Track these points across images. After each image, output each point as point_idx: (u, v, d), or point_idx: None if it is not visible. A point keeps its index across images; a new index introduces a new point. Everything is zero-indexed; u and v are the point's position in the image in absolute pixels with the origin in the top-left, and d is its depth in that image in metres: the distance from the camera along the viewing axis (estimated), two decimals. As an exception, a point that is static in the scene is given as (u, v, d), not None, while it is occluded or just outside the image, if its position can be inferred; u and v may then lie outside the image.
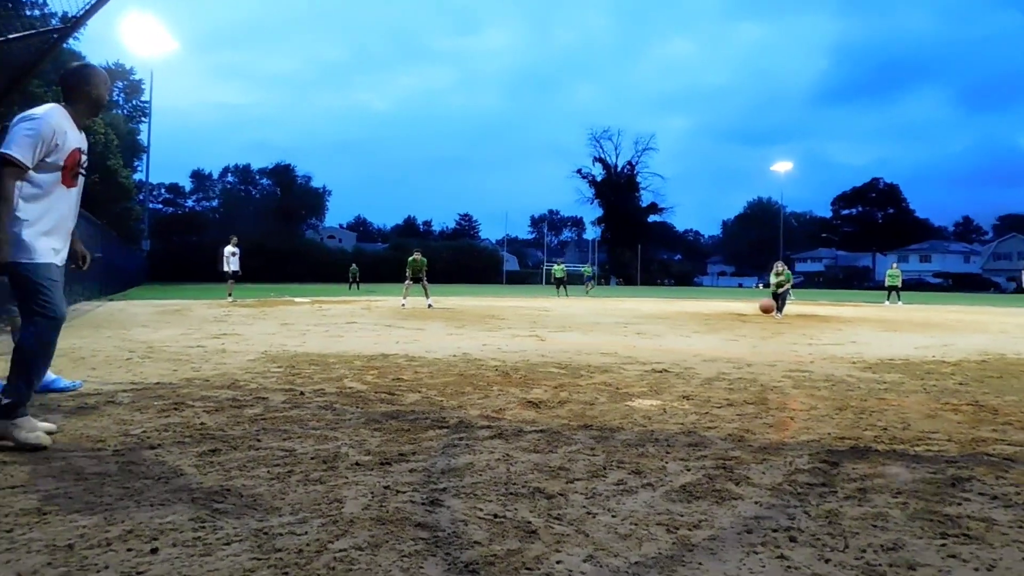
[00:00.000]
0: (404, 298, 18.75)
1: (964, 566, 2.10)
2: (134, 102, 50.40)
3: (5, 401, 3.29)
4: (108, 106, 3.79)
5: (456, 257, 71.39)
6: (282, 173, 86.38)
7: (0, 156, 3.21)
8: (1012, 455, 3.45)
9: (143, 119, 49.18)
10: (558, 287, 32.82)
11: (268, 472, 2.93)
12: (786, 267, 17.94)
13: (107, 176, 31.54)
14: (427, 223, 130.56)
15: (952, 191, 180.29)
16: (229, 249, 20.07)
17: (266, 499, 2.57)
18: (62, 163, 3.42)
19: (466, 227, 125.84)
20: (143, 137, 48.36)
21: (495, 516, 2.45)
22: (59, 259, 3.51)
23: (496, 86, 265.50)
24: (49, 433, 3.44)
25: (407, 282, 18.91)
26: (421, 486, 2.78)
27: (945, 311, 21.67)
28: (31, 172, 3.32)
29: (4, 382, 3.40)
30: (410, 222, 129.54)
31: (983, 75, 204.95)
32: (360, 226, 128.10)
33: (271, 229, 72.05)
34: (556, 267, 34.17)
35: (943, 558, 2.15)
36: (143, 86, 49.22)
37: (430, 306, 17.95)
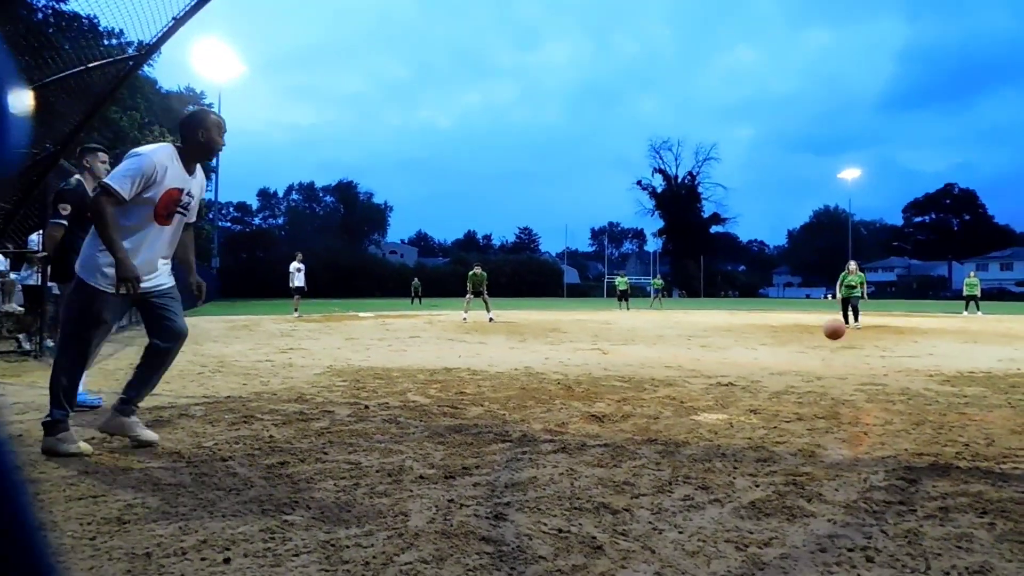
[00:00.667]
0: (465, 312, 18.88)
1: (1058, 591, 1.98)
2: (204, 126, 52.26)
3: (46, 419, 3.51)
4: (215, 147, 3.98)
5: (516, 271, 71.63)
6: (345, 190, 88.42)
7: (101, 185, 3.46)
8: (1108, 473, 3.25)
9: (212, 141, 50.89)
10: (620, 300, 32.57)
11: (335, 485, 2.97)
12: (859, 268, 17.26)
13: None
14: (487, 237, 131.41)
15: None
16: (295, 265, 20.56)
17: (333, 511, 2.61)
18: (156, 199, 3.56)
19: (526, 240, 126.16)
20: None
21: (560, 531, 2.43)
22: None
23: (557, 100, 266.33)
24: (150, 443, 3.65)
25: (468, 296, 19.05)
26: (485, 500, 2.78)
27: (1029, 321, 20.66)
28: (128, 205, 3.49)
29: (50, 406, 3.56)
30: (470, 236, 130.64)
31: None
32: (421, 241, 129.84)
33: (334, 245, 73.62)
34: (619, 279, 33.94)
35: (1035, 582, 2.04)
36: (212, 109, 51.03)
37: (491, 320, 18.03)
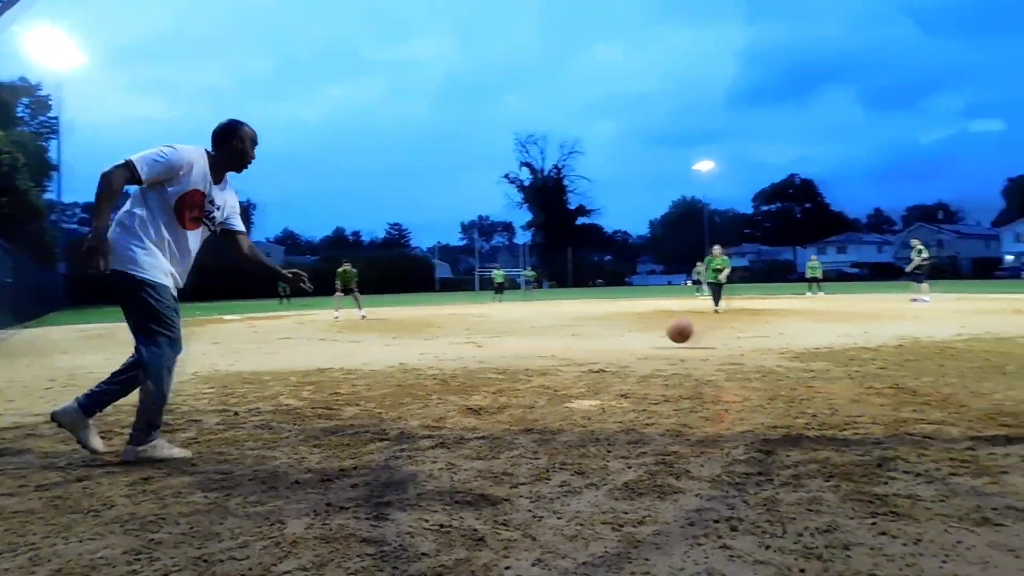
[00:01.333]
0: (336, 311, 18.46)
1: (894, 542, 2.19)
2: (41, 118, 48.20)
3: (137, 429, 3.47)
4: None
5: (388, 267, 70.47)
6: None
7: (125, 160, 3.37)
8: (931, 433, 3.63)
9: (52, 136, 46.98)
10: (497, 292, 32.93)
11: (205, 497, 2.84)
12: (723, 252, 17.56)
13: (15, 196, 30.12)
14: (357, 234, 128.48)
15: (864, 186, 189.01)
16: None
17: (204, 525, 2.49)
18: (178, 195, 3.49)
19: (396, 236, 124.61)
20: (53, 155, 46.21)
21: (441, 526, 2.44)
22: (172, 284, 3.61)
23: (426, 96, 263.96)
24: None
25: (337, 294, 18.65)
26: (365, 501, 2.74)
27: (863, 300, 22.60)
28: (146, 191, 3.46)
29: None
30: (340, 233, 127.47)
31: (885, 78, 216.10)
32: (288, 239, 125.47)
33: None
34: (495, 272, 34.34)
35: (875, 536, 2.25)
36: (51, 102, 47.10)
37: (363, 317, 17.73)
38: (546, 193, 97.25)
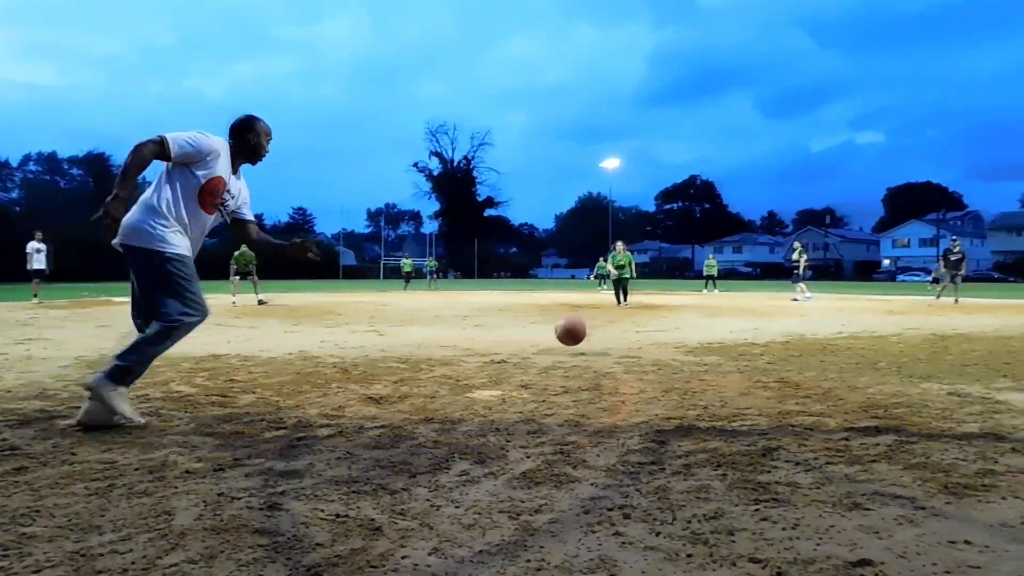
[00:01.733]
0: (233, 295, 17.85)
1: (774, 527, 2.32)
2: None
3: (118, 364, 3.67)
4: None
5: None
6: (96, 162, 78.93)
7: (159, 135, 3.60)
8: (812, 424, 3.85)
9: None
10: (406, 281, 32.66)
11: (86, 488, 2.70)
12: (626, 248, 17.92)
13: None
14: (259, 216, 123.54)
15: (759, 188, 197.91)
16: (33, 245, 18.23)
17: (84, 517, 2.37)
18: (203, 181, 3.78)
19: (301, 221, 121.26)
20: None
21: (338, 516, 2.40)
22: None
23: (337, 78, 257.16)
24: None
25: (234, 278, 18.03)
26: (259, 491, 2.67)
27: (755, 297, 23.66)
28: (174, 173, 3.74)
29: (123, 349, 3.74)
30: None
31: (780, 85, 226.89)
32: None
33: (84, 223, 65.65)
34: (404, 261, 34.07)
35: (757, 521, 2.37)
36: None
37: (261, 302, 17.20)
38: (455, 183, 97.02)
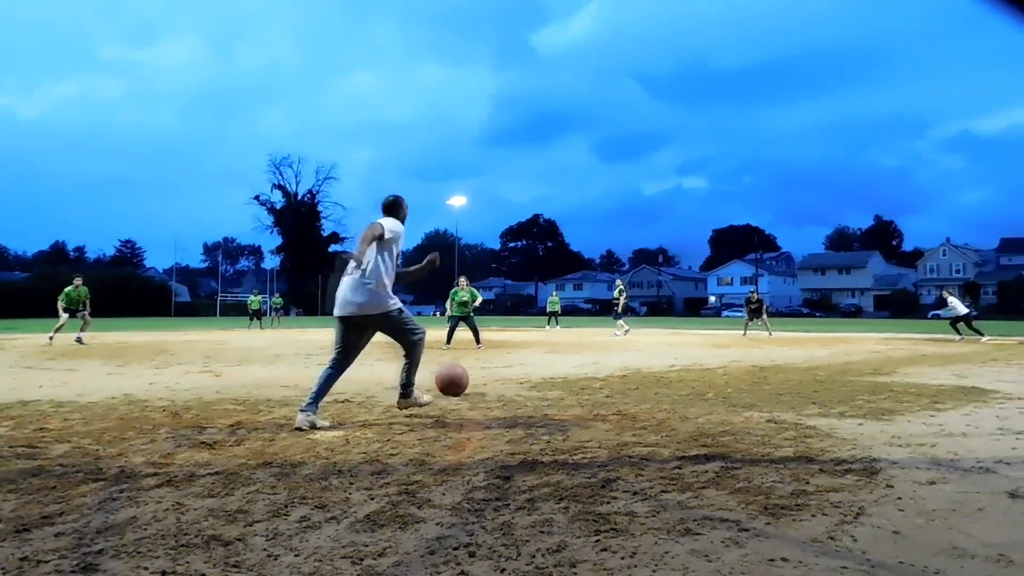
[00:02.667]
0: (53, 334, 16.21)
1: (613, 556, 2.39)
2: None
3: (406, 387, 5.46)
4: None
5: (117, 287, 63.38)
6: None
7: (380, 225, 5.11)
8: (648, 455, 4.03)
9: None
10: (252, 319, 31.12)
11: None
12: (468, 283, 17.84)
13: None
14: (80, 249, 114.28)
15: (597, 227, 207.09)
16: None
17: None
18: (399, 251, 5.32)
19: (129, 254, 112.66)
20: None
21: (163, 573, 2.22)
22: None
23: (172, 105, 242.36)
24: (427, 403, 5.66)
25: (62, 316, 16.41)
26: (71, 551, 2.42)
27: (595, 333, 24.60)
28: (384, 250, 5.17)
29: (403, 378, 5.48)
30: (59, 247, 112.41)
31: (614, 132, 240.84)
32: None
33: None
34: (253, 299, 32.51)
35: (597, 552, 2.43)
36: None
37: (79, 340, 15.66)
38: (299, 218, 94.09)
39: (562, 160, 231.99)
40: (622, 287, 23.36)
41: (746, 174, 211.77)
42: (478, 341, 15.78)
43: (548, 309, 32.37)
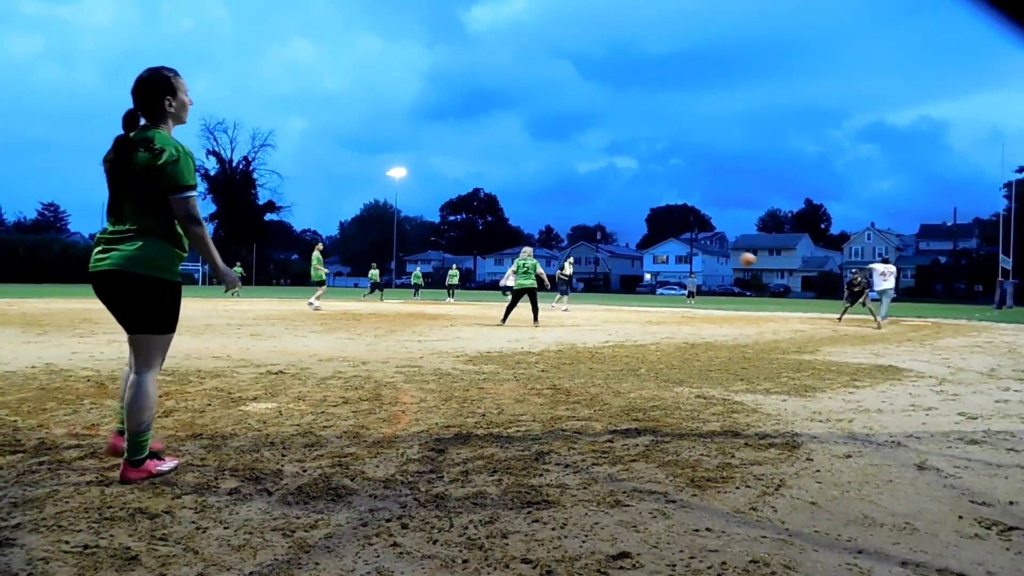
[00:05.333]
0: None
1: (544, 527, 2.44)
2: None
3: None
4: None
5: (36, 252, 60.54)
6: None
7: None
8: (580, 428, 4.10)
9: None
10: None
11: None
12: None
13: None
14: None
15: (531, 204, 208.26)
16: None
17: None
18: None
19: (51, 218, 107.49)
20: None
21: (85, 547, 2.17)
22: None
23: (94, 65, 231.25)
24: None
25: None
26: (-15, 525, 2.34)
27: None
28: None
29: None
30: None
31: (546, 109, 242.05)
32: None
33: None
34: None
35: (529, 524, 2.48)
36: None
37: None
38: (233, 185, 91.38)
39: (495, 136, 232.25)
40: (571, 262, 23.71)
41: (673, 156, 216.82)
42: (536, 318, 14.27)
43: (447, 282, 32.53)
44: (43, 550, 2.14)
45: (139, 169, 2.95)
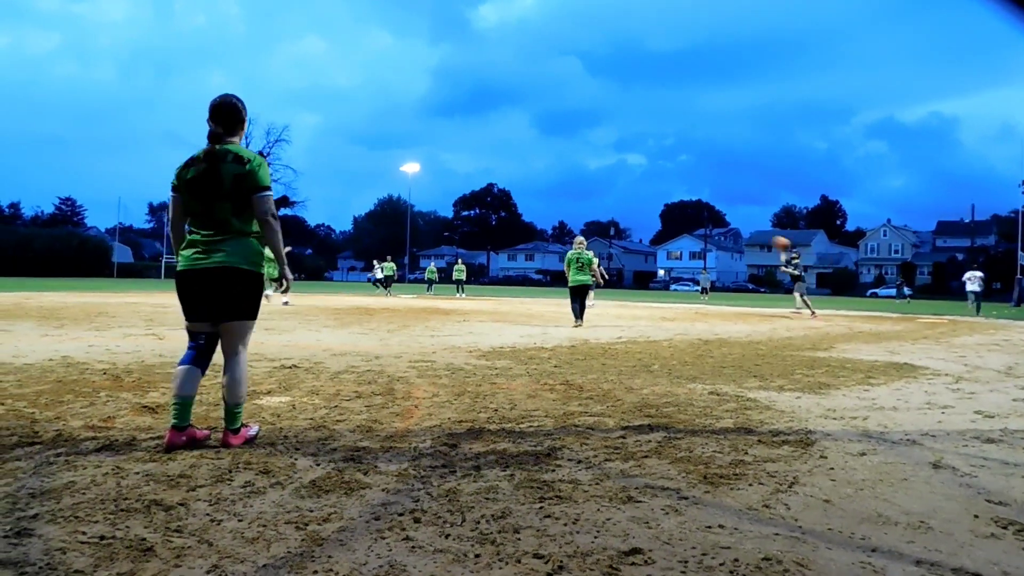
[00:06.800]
0: None
1: (556, 523, 2.44)
2: None
3: None
4: None
5: (53, 246, 61.04)
6: None
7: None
8: (592, 424, 4.10)
9: None
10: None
11: None
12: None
13: None
14: (15, 206, 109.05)
15: (547, 200, 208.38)
16: None
17: None
18: None
19: (68, 213, 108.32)
20: None
21: (102, 538, 2.19)
22: None
23: (110, 61, 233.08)
24: None
25: None
26: (3, 516, 2.37)
27: (544, 304, 24.74)
28: None
29: None
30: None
31: (554, 106, 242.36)
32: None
33: None
34: None
35: (541, 519, 2.48)
36: None
37: None
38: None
39: (503, 133, 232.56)
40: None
41: (682, 152, 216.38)
42: (582, 317, 12.60)
43: (454, 277, 32.55)
44: (60, 540, 2.17)
45: (231, 177, 3.43)
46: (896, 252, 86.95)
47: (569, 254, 12.70)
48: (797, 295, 18.39)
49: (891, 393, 5.63)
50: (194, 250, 3.44)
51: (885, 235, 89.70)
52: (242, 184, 3.42)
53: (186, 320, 3.55)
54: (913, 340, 11.51)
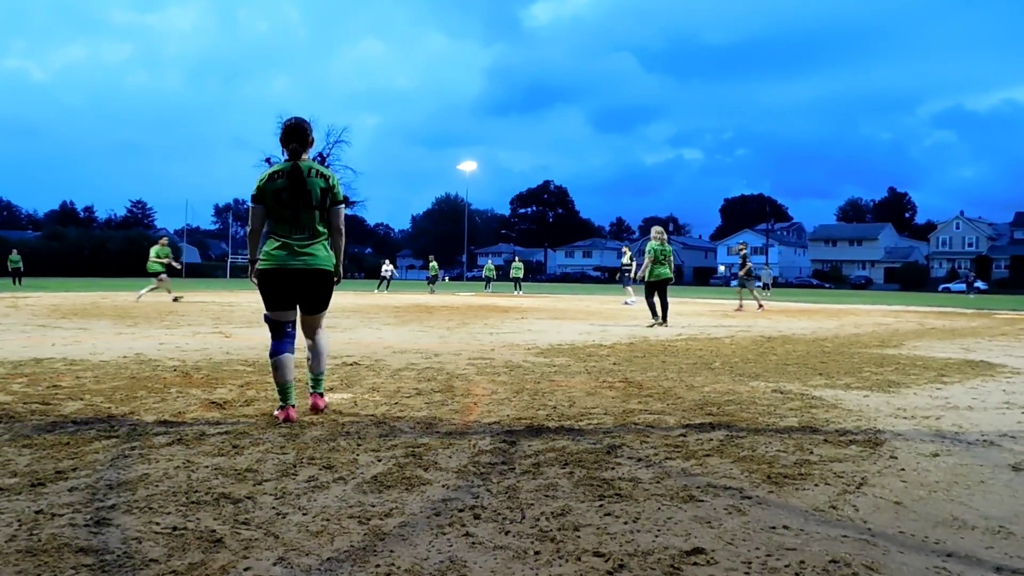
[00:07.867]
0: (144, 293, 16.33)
1: (617, 521, 2.42)
2: None
3: None
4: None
5: (126, 248, 63.48)
6: None
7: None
8: (652, 422, 4.06)
9: None
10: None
11: None
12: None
13: None
14: (89, 209, 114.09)
15: (604, 197, 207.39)
16: None
17: None
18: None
19: (139, 215, 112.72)
20: None
21: (174, 529, 2.27)
22: None
23: (180, 69, 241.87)
24: None
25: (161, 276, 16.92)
26: (84, 506, 2.48)
27: (603, 300, 24.59)
28: None
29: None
30: (67, 208, 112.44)
31: (609, 103, 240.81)
32: (3, 210, 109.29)
33: None
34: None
35: (601, 517, 2.47)
36: None
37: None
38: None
39: (558, 130, 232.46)
40: (630, 253, 23.19)
41: (739, 147, 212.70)
42: (666, 316, 11.76)
43: (512, 275, 32.69)
44: (136, 530, 2.25)
45: (318, 190, 4.01)
46: (970, 245, 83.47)
47: (650, 244, 11.70)
48: (747, 288, 18.90)
49: (966, 392, 5.41)
50: (285, 252, 4.00)
51: (958, 228, 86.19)
52: (326, 197, 4.03)
53: (274, 311, 4.15)
54: (990, 336, 11.04)
